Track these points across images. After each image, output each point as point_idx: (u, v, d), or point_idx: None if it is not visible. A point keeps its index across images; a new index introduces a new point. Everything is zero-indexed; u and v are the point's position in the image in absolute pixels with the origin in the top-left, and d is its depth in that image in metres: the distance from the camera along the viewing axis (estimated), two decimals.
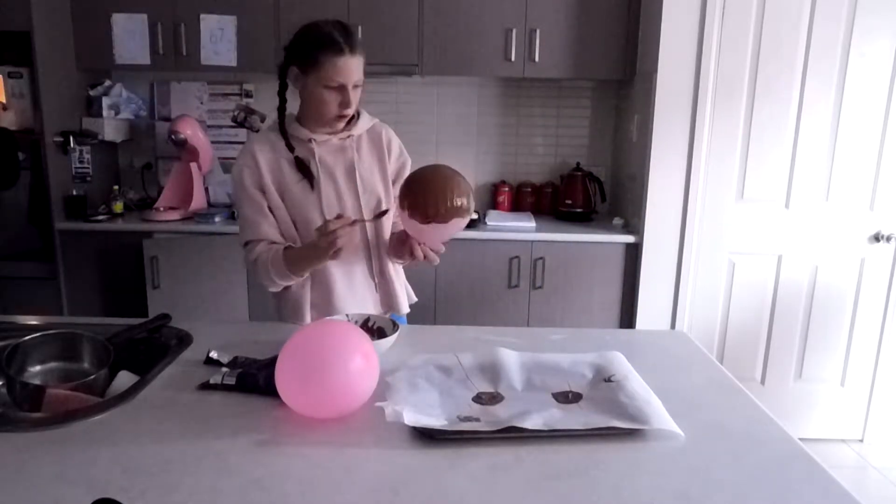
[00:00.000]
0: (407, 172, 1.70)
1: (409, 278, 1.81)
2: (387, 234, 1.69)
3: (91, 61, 3.00)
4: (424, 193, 1.40)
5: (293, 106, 1.62)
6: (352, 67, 1.48)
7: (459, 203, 1.40)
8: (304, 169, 1.57)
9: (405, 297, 1.75)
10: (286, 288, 1.63)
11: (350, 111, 1.54)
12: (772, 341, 2.87)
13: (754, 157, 2.73)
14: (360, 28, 2.84)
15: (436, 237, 1.47)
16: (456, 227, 1.44)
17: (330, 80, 1.48)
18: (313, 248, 1.47)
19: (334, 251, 1.41)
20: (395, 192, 1.66)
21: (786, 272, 2.81)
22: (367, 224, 1.63)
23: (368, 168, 1.64)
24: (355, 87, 1.51)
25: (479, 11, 2.91)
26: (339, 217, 1.42)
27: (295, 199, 1.58)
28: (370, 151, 1.65)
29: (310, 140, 1.58)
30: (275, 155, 1.59)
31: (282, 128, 1.59)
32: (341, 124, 1.59)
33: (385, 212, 1.56)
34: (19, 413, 1.20)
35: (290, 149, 1.58)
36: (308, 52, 1.48)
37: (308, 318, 1.63)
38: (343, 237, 1.39)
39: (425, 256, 1.53)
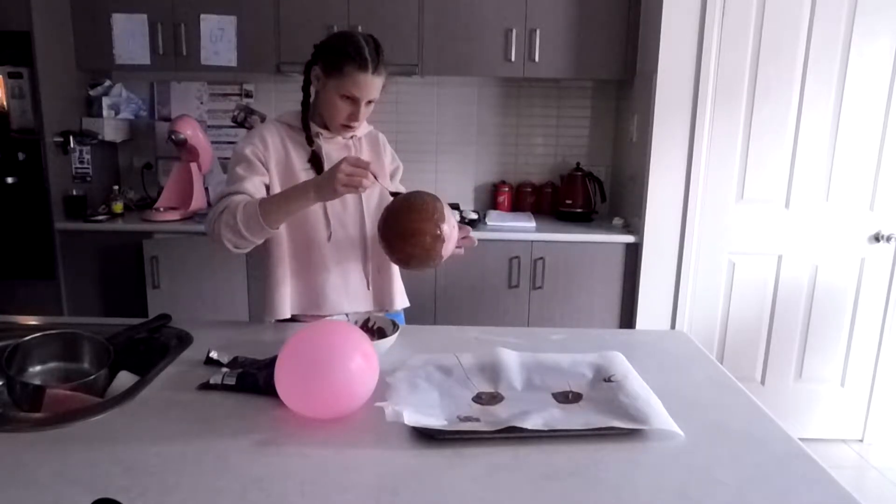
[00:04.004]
0: (399, 176, 1.78)
1: (408, 278, 1.81)
2: None
3: (91, 61, 3.00)
4: (405, 255, 1.41)
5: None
6: (371, 85, 1.52)
7: (438, 233, 1.38)
8: (316, 161, 1.60)
9: (400, 296, 1.76)
10: (265, 280, 1.64)
11: (356, 125, 1.58)
12: (772, 341, 2.87)
13: (754, 157, 2.73)
14: (359, 28, 2.84)
15: (451, 246, 1.46)
16: (456, 229, 1.46)
17: (347, 91, 1.52)
18: (318, 181, 1.40)
19: (339, 188, 1.35)
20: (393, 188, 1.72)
21: (786, 272, 2.81)
22: (367, 222, 1.66)
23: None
24: (368, 103, 1.56)
25: (479, 11, 2.91)
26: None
27: None
28: (369, 152, 1.72)
29: (317, 135, 1.62)
30: (283, 143, 1.61)
31: (304, 121, 1.61)
32: (345, 133, 1.63)
33: (397, 194, 1.50)
34: (19, 413, 1.20)
35: (310, 142, 1.61)
36: (335, 57, 1.51)
37: (287, 313, 1.63)
38: (358, 183, 1.35)
39: (462, 248, 1.54)
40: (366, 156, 1.69)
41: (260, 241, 1.50)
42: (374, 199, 1.67)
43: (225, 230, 1.45)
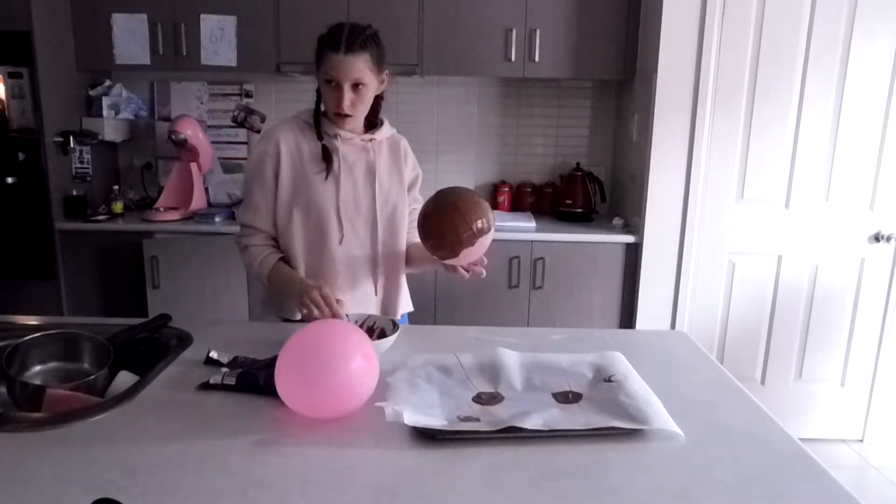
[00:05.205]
0: (419, 184, 1.77)
1: (409, 279, 1.81)
2: (400, 244, 1.71)
3: (91, 61, 3.00)
4: (441, 234, 1.45)
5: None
6: (345, 66, 1.50)
7: (480, 226, 1.44)
8: (327, 157, 1.60)
9: (403, 304, 1.76)
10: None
11: (345, 110, 1.55)
12: (772, 341, 2.87)
13: (754, 157, 2.73)
14: None
15: (470, 258, 1.50)
16: (485, 245, 1.48)
17: (326, 74, 1.53)
18: (295, 290, 1.53)
19: (306, 311, 1.48)
20: (410, 198, 1.73)
21: (786, 272, 2.81)
22: (379, 228, 1.66)
23: (387, 171, 1.68)
24: (355, 87, 1.54)
25: (479, 11, 2.91)
26: (325, 296, 1.46)
27: (312, 187, 1.60)
28: (389, 157, 1.70)
29: (335, 135, 1.61)
30: (298, 145, 1.62)
31: (316, 118, 1.62)
32: (342, 123, 1.61)
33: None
34: (19, 413, 1.20)
35: (320, 137, 1.61)
36: (318, 45, 1.55)
37: (298, 313, 1.64)
38: (319, 313, 1.45)
39: (470, 272, 1.56)
40: (384, 159, 1.67)
41: None
42: (388, 206, 1.66)
43: (247, 265, 1.66)
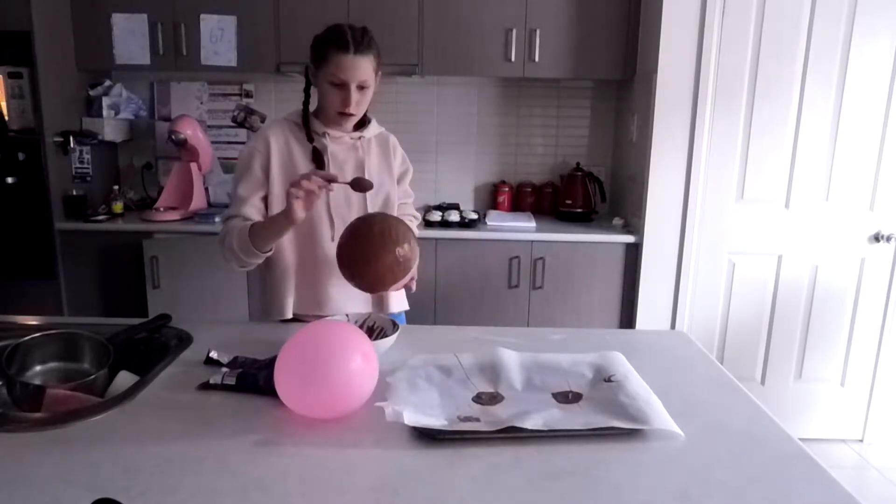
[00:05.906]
0: (409, 177, 1.79)
1: None
2: None
3: (91, 61, 3.00)
4: (360, 274, 1.43)
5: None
6: (355, 67, 1.52)
7: (399, 258, 1.41)
8: (318, 158, 1.60)
9: (399, 299, 1.76)
10: (268, 279, 1.66)
11: (350, 110, 1.57)
12: (772, 341, 2.87)
13: (754, 157, 2.73)
14: None
15: (394, 288, 1.50)
16: (404, 275, 1.45)
17: (333, 76, 1.53)
18: (280, 214, 1.46)
19: (296, 211, 1.40)
20: (400, 192, 1.75)
21: (786, 272, 2.81)
22: None
23: (377, 168, 1.70)
24: (360, 87, 1.56)
25: (479, 11, 2.91)
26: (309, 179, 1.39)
27: None
28: (378, 153, 1.71)
29: (324, 134, 1.62)
30: (288, 144, 1.62)
31: (305, 119, 1.62)
32: (344, 123, 1.62)
33: (363, 186, 1.49)
34: (19, 413, 1.20)
35: (310, 139, 1.62)
36: (321, 47, 1.54)
37: (289, 313, 1.64)
38: (311, 194, 1.38)
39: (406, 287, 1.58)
40: (374, 156, 1.69)
41: (261, 260, 1.57)
42: (378, 200, 1.67)
43: (229, 255, 1.57)
